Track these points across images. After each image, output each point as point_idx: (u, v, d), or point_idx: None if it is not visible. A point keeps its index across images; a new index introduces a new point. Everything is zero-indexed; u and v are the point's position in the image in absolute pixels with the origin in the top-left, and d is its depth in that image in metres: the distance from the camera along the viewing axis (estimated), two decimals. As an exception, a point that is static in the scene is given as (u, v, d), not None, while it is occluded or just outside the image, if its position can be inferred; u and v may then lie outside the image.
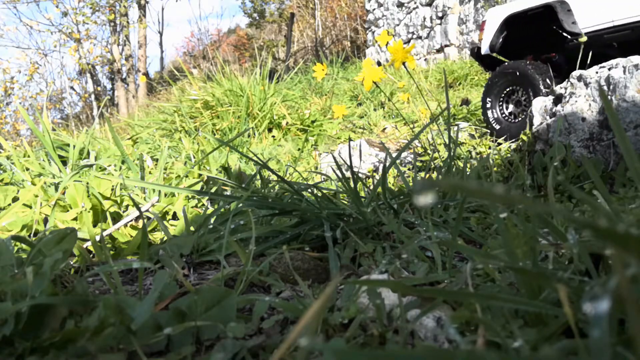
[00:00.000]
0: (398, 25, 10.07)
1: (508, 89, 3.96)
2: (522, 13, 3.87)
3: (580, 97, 1.79)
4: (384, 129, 4.97)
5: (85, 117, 15.56)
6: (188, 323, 0.60)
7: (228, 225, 0.94)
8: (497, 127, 3.99)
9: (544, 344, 0.47)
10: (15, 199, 1.51)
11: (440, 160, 2.50)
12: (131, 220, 1.33)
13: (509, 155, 2.13)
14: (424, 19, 9.20)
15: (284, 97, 4.98)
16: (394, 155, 2.67)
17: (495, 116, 4.02)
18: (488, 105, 4.06)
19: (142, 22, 14.80)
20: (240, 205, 1.15)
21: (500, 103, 4.02)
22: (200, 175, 1.94)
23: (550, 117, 1.94)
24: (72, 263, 1.01)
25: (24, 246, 1.06)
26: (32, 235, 1.32)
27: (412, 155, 3.15)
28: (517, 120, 3.88)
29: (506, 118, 4.00)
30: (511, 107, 3.99)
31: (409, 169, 2.94)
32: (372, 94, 6.01)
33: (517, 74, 3.77)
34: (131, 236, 1.27)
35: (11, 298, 0.59)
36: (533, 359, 0.39)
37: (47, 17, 14.98)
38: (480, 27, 4.32)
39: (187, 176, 1.93)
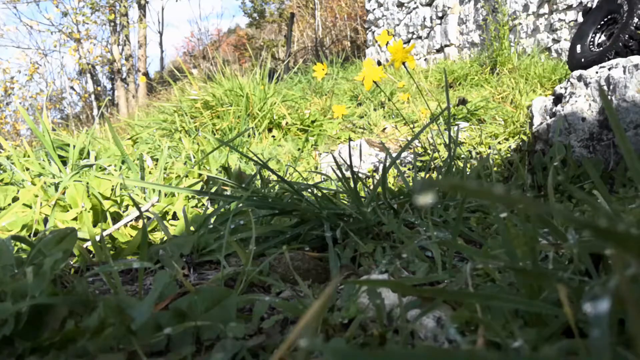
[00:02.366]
0: (398, 25, 10.07)
1: (607, 18, 3.80)
2: None
3: (580, 97, 1.79)
4: (384, 129, 4.96)
5: (85, 117, 15.56)
6: (188, 323, 0.60)
7: (228, 225, 0.94)
8: (580, 56, 3.83)
9: (544, 344, 0.47)
10: (15, 199, 1.51)
11: (440, 160, 2.50)
12: (131, 220, 1.33)
13: (509, 155, 2.13)
14: (424, 19, 9.20)
15: (284, 97, 4.98)
16: (394, 155, 2.67)
17: (583, 46, 3.88)
18: (580, 35, 3.90)
19: (142, 22, 14.80)
20: (240, 205, 1.15)
21: (594, 34, 3.88)
22: (200, 175, 1.93)
23: (550, 117, 1.94)
24: (72, 263, 1.01)
25: (24, 246, 1.06)
26: (32, 235, 1.32)
27: (412, 155, 3.15)
28: (600, 49, 3.74)
29: (591, 47, 3.85)
30: (603, 37, 3.85)
31: (409, 169, 2.94)
32: (372, 93, 6.00)
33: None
34: (131, 236, 1.27)
35: (11, 298, 0.59)
36: (533, 359, 0.39)
37: (47, 17, 14.97)
38: None
39: (187, 176, 1.93)
